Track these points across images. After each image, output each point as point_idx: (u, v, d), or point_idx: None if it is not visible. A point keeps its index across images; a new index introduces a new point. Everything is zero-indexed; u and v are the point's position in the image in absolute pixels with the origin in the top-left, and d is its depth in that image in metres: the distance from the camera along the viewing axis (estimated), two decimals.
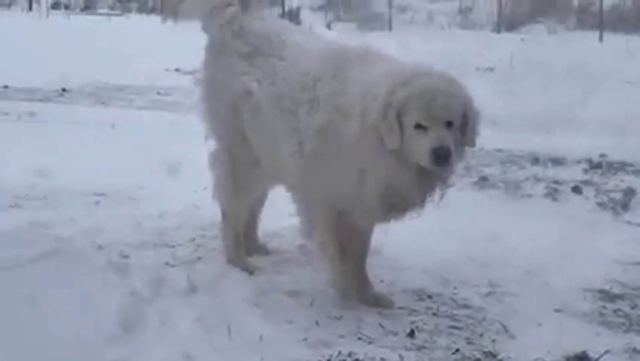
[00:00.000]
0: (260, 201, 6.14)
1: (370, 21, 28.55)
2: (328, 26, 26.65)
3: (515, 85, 15.02)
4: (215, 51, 5.78)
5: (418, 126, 4.65)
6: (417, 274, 5.86)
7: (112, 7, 32.69)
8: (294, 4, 29.19)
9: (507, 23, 28.41)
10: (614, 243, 6.64)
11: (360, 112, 4.77)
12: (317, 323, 5.02)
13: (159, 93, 14.03)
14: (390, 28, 27.98)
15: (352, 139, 4.82)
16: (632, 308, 5.53)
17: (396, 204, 4.92)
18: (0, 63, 15.21)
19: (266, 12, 5.82)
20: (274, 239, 6.34)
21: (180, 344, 4.72)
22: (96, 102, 13.02)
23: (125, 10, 31.95)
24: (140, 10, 32.05)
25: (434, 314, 5.27)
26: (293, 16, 26.78)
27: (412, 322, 5.12)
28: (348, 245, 5.35)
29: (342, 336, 4.89)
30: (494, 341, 4.94)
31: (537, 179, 8.59)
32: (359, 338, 4.89)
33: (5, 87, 13.92)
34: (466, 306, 5.41)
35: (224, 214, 5.95)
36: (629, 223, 7.35)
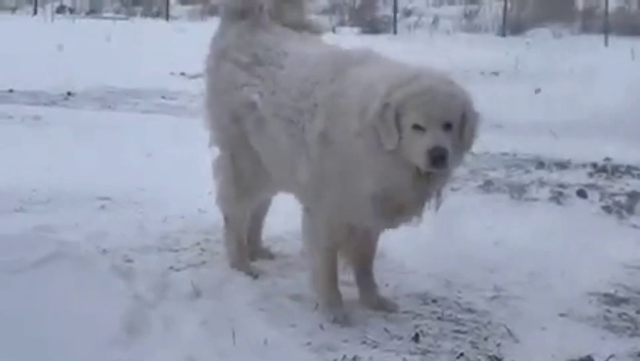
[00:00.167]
0: (264, 206, 6.14)
1: (375, 25, 28.58)
2: (333, 30, 26.63)
3: (520, 88, 15.02)
4: (217, 60, 5.78)
5: (416, 127, 4.63)
6: (422, 278, 5.86)
7: (117, 11, 32.73)
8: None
9: (512, 27, 28.39)
10: (619, 247, 6.62)
11: (359, 113, 4.76)
12: (321, 326, 5.02)
13: (164, 97, 14.04)
14: (395, 32, 27.98)
15: (351, 139, 4.81)
16: (638, 312, 5.51)
17: (393, 208, 4.89)
18: (6, 67, 15.22)
19: (276, 26, 5.77)
20: (278, 243, 6.34)
21: (184, 348, 4.73)
22: (101, 106, 13.02)
23: (130, 14, 31.98)
24: (145, 14, 32.08)
25: (439, 318, 5.26)
26: None
27: (417, 326, 5.11)
28: (354, 251, 5.36)
29: (346, 341, 4.89)
30: (498, 345, 4.94)
31: (542, 183, 8.58)
32: (364, 342, 4.89)
33: (10, 91, 13.93)
34: (471, 310, 5.40)
35: (226, 219, 5.95)
36: (634, 226, 7.33)
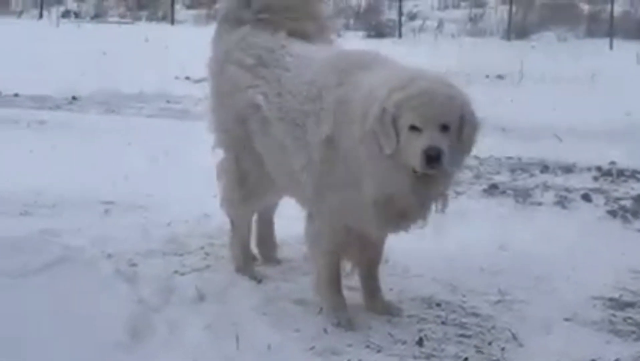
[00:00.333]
0: (270, 210, 6.14)
1: (380, 29, 28.56)
2: (338, 34, 26.65)
3: (525, 92, 15.01)
4: (220, 62, 5.78)
5: (413, 128, 4.62)
6: (426, 283, 5.85)
7: (122, 16, 32.75)
8: None
9: (517, 31, 28.34)
10: (624, 251, 6.62)
11: (361, 119, 4.76)
12: (325, 331, 5.02)
13: (168, 101, 14.03)
14: (400, 36, 27.95)
15: (355, 145, 4.81)
16: None
17: (395, 213, 4.88)
18: (11, 71, 15.24)
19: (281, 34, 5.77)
20: (281, 247, 6.33)
21: (188, 352, 4.73)
22: (106, 110, 13.03)
23: (136, 18, 31.99)
24: (151, 18, 32.10)
25: (443, 322, 5.26)
26: None
27: (421, 330, 5.11)
28: (360, 255, 5.36)
29: (350, 345, 4.88)
30: (503, 349, 4.94)
31: (547, 187, 8.57)
32: (368, 346, 4.89)
33: (16, 95, 13.94)
34: (475, 315, 5.40)
35: (232, 223, 5.95)
36: (639, 230, 7.32)
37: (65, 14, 31.62)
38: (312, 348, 4.82)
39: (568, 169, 9.40)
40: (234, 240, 5.95)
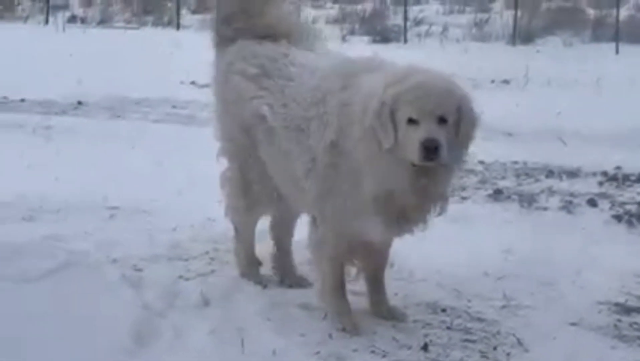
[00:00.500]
0: (288, 230, 6.00)
1: (385, 34, 28.55)
2: (343, 39, 26.62)
3: (530, 97, 15.00)
4: (223, 72, 5.79)
5: (410, 121, 4.62)
6: (431, 288, 5.85)
7: (128, 21, 32.77)
8: (310, 18, 29.24)
9: (523, 35, 28.29)
10: (630, 256, 6.61)
11: (361, 116, 4.78)
12: (330, 336, 5.02)
13: (174, 106, 14.04)
14: (405, 41, 27.93)
15: (355, 146, 4.81)
16: None
17: (395, 211, 4.85)
18: (17, 76, 15.26)
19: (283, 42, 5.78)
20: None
21: (193, 357, 4.74)
22: (111, 115, 13.03)
23: (142, 23, 32.01)
24: (156, 23, 32.11)
25: (448, 327, 5.25)
26: None
27: (426, 335, 5.11)
28: (365, 260, 5.35)
29: (355, 350, 4.88)
30: (508, 354, 4.93)
31: (552, 192, 8.56)
32: (373, 352, 4.88)
33: (22, 100, 13.97)
34: (480, 320, 5.39)
35: (236, 229, 5.95)
36: None
37: (71, 20, 31.65)
38: (317, 353, 4.81)
39: (573, 174, 9.39)
40: (239, 245, 5.96)
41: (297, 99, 5.28)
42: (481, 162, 9.72)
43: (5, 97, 14.03)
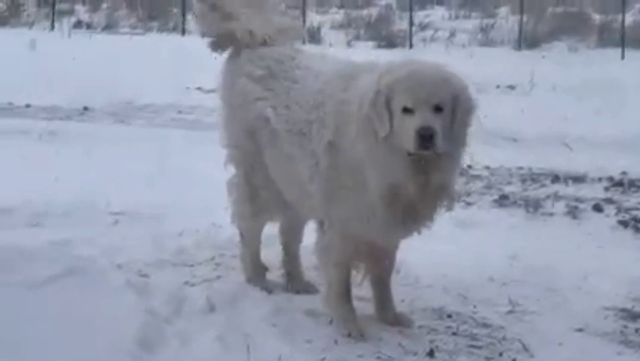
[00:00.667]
0: (296, 237, 5.99)
1: (391, 39, 28.57)
2: (348, 44, 26.66)
3: (535, 102, 14.99)
4: (230, 76, 5.79)
5: (406, 110, 4.64)
6: (437, 293, 5.84)
7: (133, 27, 32.80)
8: (315, 23, 29.26)
9: (528, 41, 28.31)
10: (636, 262, 6.60)
11: (358, 111, 4.81)
12: (335, 342, 5.01)
13: (180, 111, 14.06)
14: (410, 46, 27.95)
15: (353, 143, 4.83)
16: None
17: (401, 207, 4.82)
18: (23, 82, 15.29)
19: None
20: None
21: None
22: (117, 120, 13.06)
23: (147, 29, 32.04)
24: (162, 29, 32.15)
25: (454, 333, 5.24)
26: (314, 35, 26.83)
27: (432, 341, 5.10)
28: (372, 265, 5.35)
29: (360, 356, 4.88)
30: (514, 360, 4.92)
31: (558, 197, 8.55)
32: (378, 358, 4.88)
33: (27, 106, 14.00)
34: (486, 325, 5.38)
35: (242, 235, 5.95)
36: None
37: (77, 25, 31.69)
38: (323, 359, 4.80)
39: (579, 179, 9.38)
40: (245, 251, 5.95)
41: (300, 102, 5.30)
42: (487, 167, 9.72)
43: (10, 103, 14.07)
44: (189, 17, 32.75)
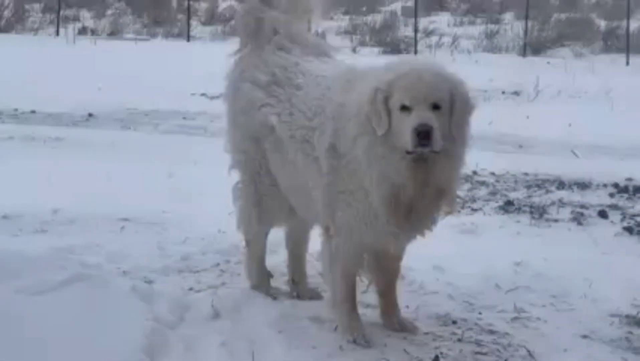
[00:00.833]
0: (300, 243, 5.99)
1: (396, 45, 28.61)
2: (354, 50, 26.69)
3: (540, 108, 14.99)
4: (235, 81, 5.80)
5: (403, 108, 4.67)
6: (442, 300, 5.83)
7: (138, 33, 32.88)
8: (320, 29, 29.33)
9: (533, 47, 28.37)
10: None
11: (356, 112, 4.83)
12: (340, 348, 5.01)
13: (184, 118, 14.08)
14: (415, 52, 27.99)
15: (353, 144, 4.84)
16: None
17: (401, 208, 4.82)
18: (28, 88, 15.33)
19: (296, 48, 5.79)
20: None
21: None
22: (122, 127, 13.08)
23: (152, 35, 32.11)
24: (167, 35, 32.22)
25: (459, 340, 5.23)
26: None
27: (437, 348, 5.09)
28: (378, 272, 5.35)
29: None
30: None
31: (563, 203, 8.55)
32: None
33: (33, 112, 14.03)
34: (491, 332, 5.37)
35: (247, 242, 5.94)
36: None
37: (82, 31, 31.75)
38: None
39: (584, 186, 9.38)
40: (250, 257, 5.95)
41: (303, 109, 5.31)
42: (492, 173, 9.72)
43: (16, 109, 14.10)
44: (194, 23, 32.86)
